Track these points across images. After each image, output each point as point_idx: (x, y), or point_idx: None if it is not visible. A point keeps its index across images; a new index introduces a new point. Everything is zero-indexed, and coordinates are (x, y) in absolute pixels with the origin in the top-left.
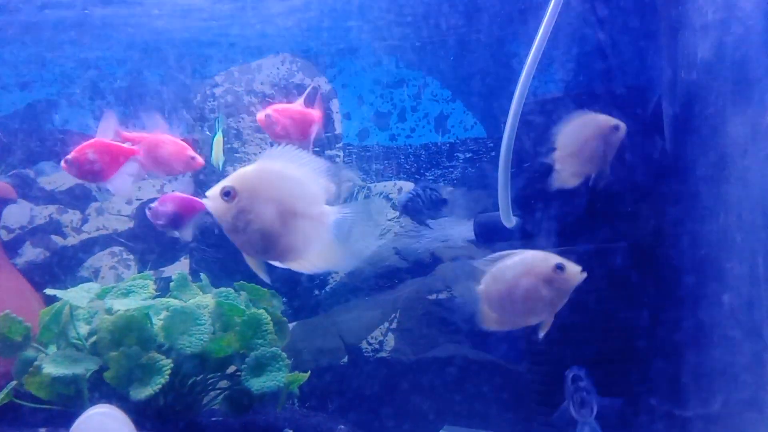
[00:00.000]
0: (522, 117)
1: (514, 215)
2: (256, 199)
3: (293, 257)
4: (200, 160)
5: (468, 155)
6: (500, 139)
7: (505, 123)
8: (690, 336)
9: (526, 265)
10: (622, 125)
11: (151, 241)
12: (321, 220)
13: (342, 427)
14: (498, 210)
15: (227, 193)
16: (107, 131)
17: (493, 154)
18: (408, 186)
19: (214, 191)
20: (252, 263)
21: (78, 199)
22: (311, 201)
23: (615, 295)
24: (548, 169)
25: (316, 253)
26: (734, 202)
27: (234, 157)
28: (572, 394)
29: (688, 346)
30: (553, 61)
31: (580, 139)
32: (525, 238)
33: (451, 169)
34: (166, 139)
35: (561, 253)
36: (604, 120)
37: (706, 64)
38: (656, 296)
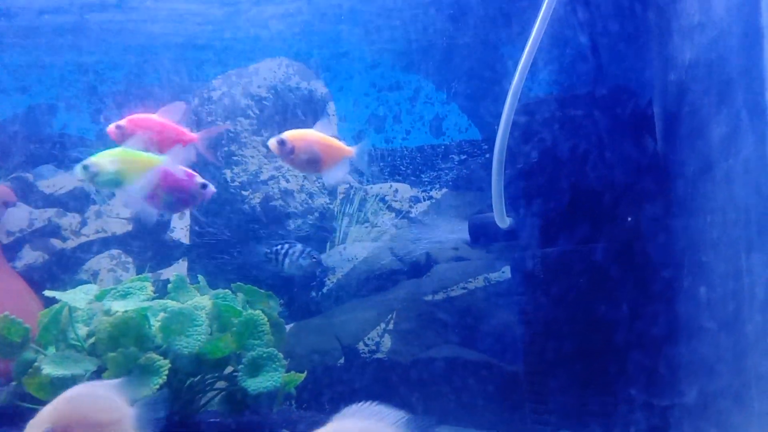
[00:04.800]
0: (515, 119)
1: (507, 216)
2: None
3: None
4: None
5: (463, 157)
6: (494, 141)
7: (498, 125)
8: (668, 329)
9: None
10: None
11: (149, 244)
12: None
13: None
14: (492, 211)
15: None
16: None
17: (487, 156)
18: (403, 188)
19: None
20: None
21: (77, 202)
22: None
23: (596, 290)
24: (533, 171)
25: None
26: (719, 200)
27: (231, 160)
28: None
29: (667, 339)
30: (546, 63)
31: None
32: (516, 238)
33: (446, 171)
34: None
35: (545, 255)
36: None
37: (691, 66)
38: (638, 292)
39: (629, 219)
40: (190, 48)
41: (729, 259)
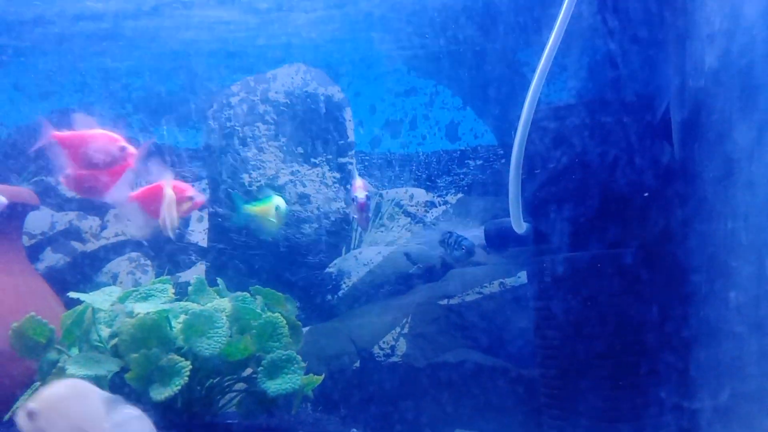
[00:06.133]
0: (533, 124)
1: (524, 221)
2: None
3: None
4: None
5: (478, 162)
6: (510, 146)
7: (515, 131)
8: (698, 331)
9: None
10: None
11: (168, 247)
12: None
13: (354, 430)
14: (508, 216)
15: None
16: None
17: (503, 161)
18: (419, 193)
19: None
20: None
21: (97, 205)
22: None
23: (625, 293)
24: (559, 175)
25: None
26: (741, 205)
27: (250, 166)
28: None
29: (696, 341)
30: (564, 70)
31: None
32: (532, 243)
33: (461, 176)
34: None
35: (563, 260)
36: None
37: (714, 72)
38: (657, 297)
39: (649, 224)
40: (220, 55)
41: (754, 263)
